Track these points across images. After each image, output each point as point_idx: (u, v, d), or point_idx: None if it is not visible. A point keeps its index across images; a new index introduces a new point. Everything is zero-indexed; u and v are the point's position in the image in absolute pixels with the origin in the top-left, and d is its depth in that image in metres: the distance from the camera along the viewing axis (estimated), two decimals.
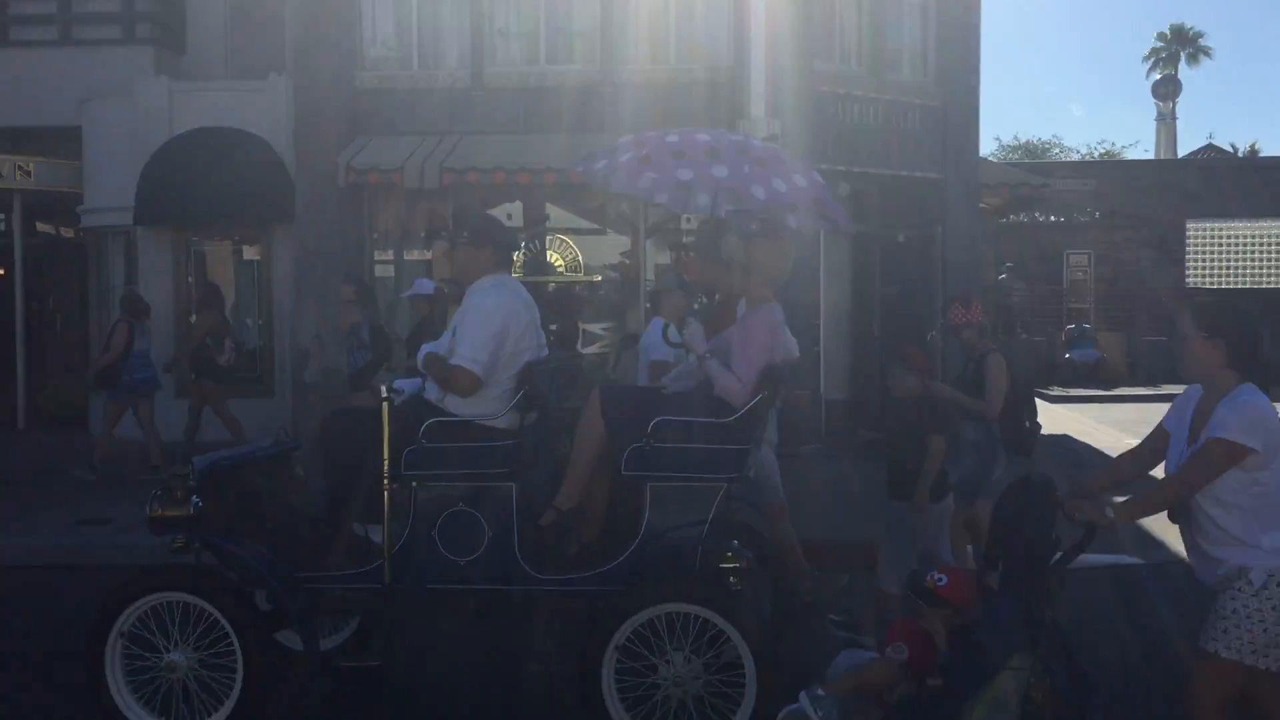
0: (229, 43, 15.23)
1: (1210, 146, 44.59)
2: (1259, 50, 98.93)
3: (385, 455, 5.05)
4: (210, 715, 5.06)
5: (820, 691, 4.56)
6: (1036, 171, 19.72)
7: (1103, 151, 47.98)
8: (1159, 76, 52.39)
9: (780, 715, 4.59)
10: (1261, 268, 26.43)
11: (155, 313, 14.06)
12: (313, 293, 13.38)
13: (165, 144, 13.80)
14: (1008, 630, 4.27)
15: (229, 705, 5.03)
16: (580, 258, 14.06)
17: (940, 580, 4.59)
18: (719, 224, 5.76)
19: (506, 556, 5.07)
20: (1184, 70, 61.44)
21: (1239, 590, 3.95)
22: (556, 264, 14.03)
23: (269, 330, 14.26)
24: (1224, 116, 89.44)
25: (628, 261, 13.84)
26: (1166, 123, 44.61)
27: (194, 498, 5.08)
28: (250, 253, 14.67)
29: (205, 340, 12.16)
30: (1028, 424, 7.39)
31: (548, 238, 14.01)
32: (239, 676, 5.01)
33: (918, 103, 14.31)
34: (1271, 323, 12.26)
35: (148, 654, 5.10)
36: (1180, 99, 45.41)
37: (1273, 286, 25.87)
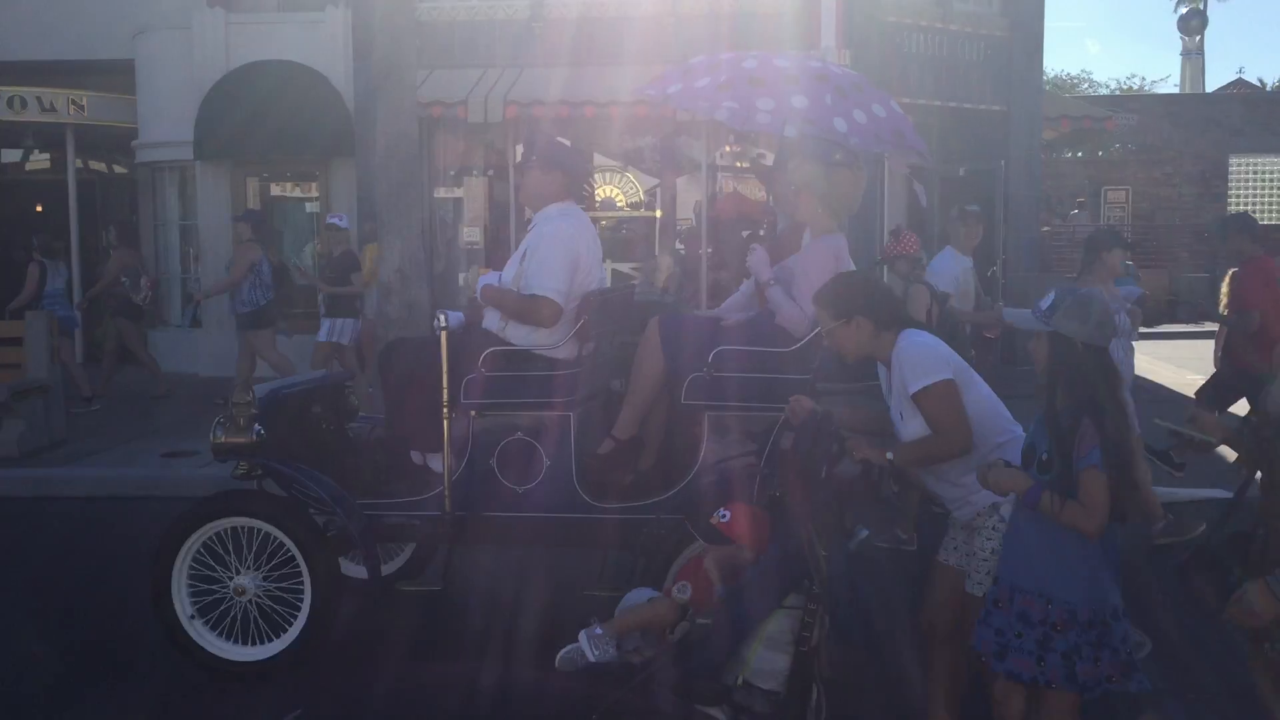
0: None
1: (1240, 81, 43.88)
2: None
3: (444, 384, 5.04)
4: (277, 638, 5.12)
5: (599, 630, 4.39)
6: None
7: (1131, 87, 47.38)
8: (1184, 10, 51.55)
9: (560, 654, 4.40)
10: None
11: (215, 247, 14.11)
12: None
13: (223, 78, 13.70)
14: (782, 568, 4.17)
15: (296, 628, 5.08)
16: (642, 194, 13.96)
17: (724, 516, 4.43)
18: (793, 148, 5.59)
19: (564, 485, 5.08)
20: (1211, 5, 60.79)
21: (994, 529, 3.85)
22: (618, 199, 13.93)
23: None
24: (1252, 51, 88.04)
25: (699, 199, 13.73)
26: (1192, 58, 43.90)
27: (256, 425, 5.11)
28: (309, 188, 14.59)
29: (121, 278, 12.19)
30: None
31: (609, 173, 13.89)
32: (306, 600, 5.05)
33: (983, 33, 14.10)
34: None
35: (215, 578, 5.14)
36: (1207, 33, 44.73)
37: None
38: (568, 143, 5.58)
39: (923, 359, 3.89)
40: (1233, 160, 26.15)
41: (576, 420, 5.13)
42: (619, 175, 13.93)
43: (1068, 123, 15.03)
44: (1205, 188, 26.40)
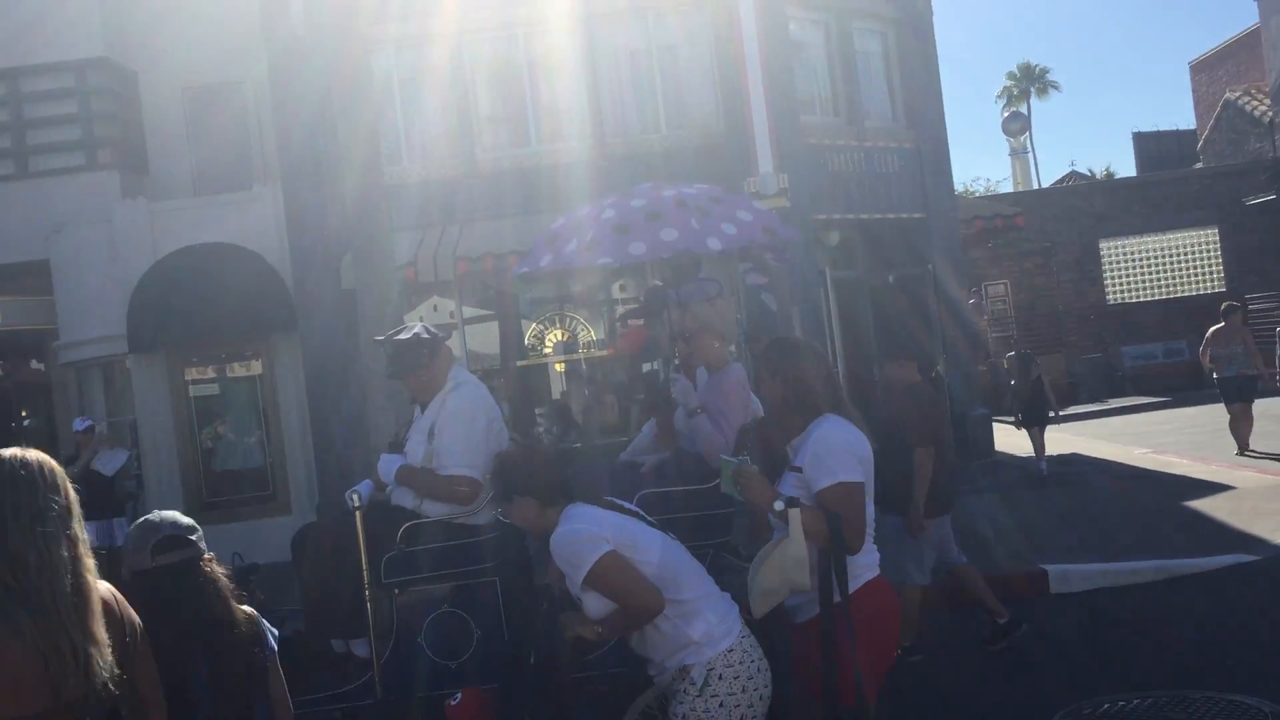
0: (194, 161, 14.88)
1: (1074, 174, 46.86)
2: (1102, 81, 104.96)
3: (364, 564, 4.96)
4: None
5: None
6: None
7: (974, 190, 50.06)
8: (1006, 115, 54.92)
9: None
10: (1177, 278, 27.68)
11: (157, 440, 13.59)
12: (331, 402, 13.06)
13: (153, 266, 13.41)
14: None
15: None
16: (593, 335, 14.02)
17: (454, 699, 4.58)
18: (660, 295, 5.86)
19: (498, 651, 5.03)
20: (1035, 105, 64.97)
21: (684, 693, 3.71)
22: (563, 340, 13.96)
23: (279, 445, 13.79)
24: (1081, 144, 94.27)
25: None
26: (1020, 157, 46.59)
27: None
28: (249, 369, 14.23)
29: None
30: None
31: (556, 317, 13.94)
32: None
33: (894, 145, 14.76)
34: (1189, 329, 13.06)
35: None
36: (1037, 132, 47.73)
37: (1185, 295, 27.11)
38: (409, 327, 5.48)
39: (573, 548, 3.73)
40: (1103, 244, 27.63)
41: (502, 584, 5.12)
42: (571, 319, 13.99)
43: (980, 223, 15.72)
44: (1082, 273, 27.79)
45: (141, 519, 3.19)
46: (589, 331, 13.98)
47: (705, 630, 3.73)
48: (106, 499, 10.96)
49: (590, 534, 3.72)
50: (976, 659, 6.87)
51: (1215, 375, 14.02)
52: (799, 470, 3.96)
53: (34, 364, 16.09)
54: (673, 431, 5.49)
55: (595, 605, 3.75)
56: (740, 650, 3.73)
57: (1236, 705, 5.63)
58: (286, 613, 5.88)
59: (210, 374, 14.29)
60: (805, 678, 4.05)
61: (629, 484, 5.01)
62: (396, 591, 5.03)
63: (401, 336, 5.30)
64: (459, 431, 5.09)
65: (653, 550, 3.79)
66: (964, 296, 15.02)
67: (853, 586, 3.85)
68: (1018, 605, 8.12)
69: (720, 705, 3.65)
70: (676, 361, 5.46)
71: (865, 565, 3.96)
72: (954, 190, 15.61)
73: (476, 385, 5.39)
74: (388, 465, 5.22)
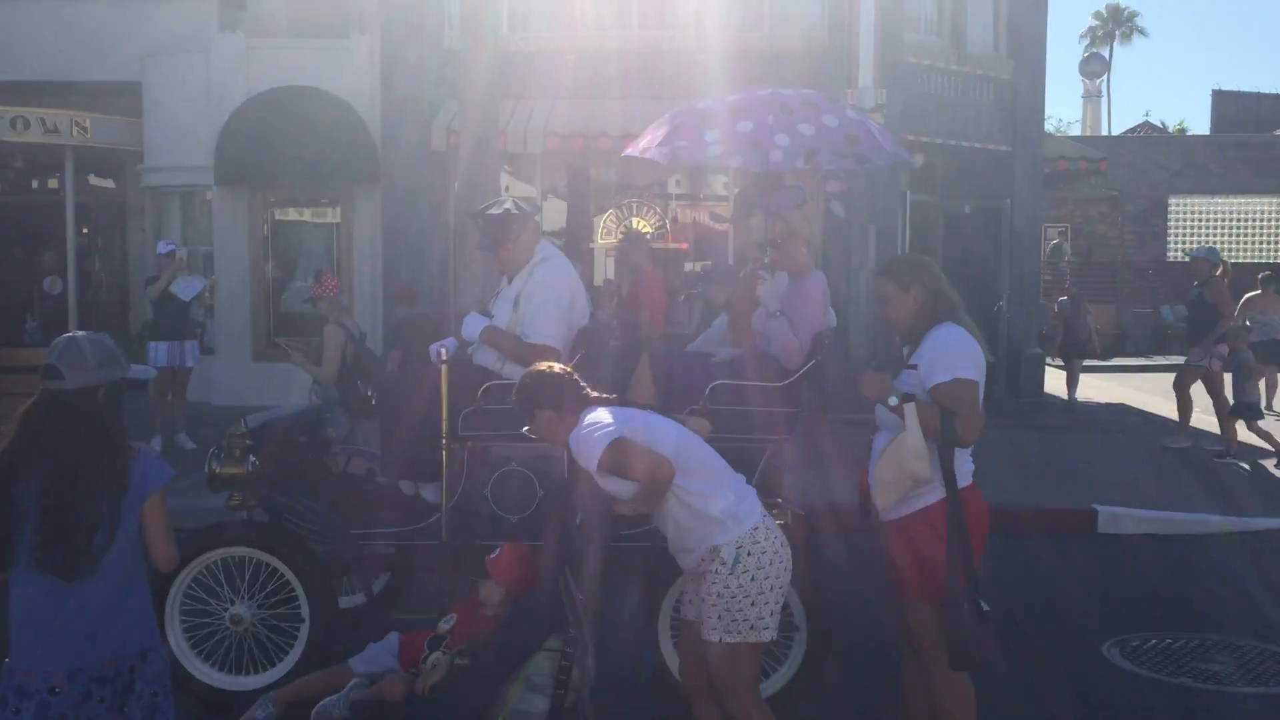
0: (292, 0, 14.86)
1: (1147, 124, 45.89)
2: (1190, 33, 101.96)
3: (444, 416, 5.14)
4: (272, 666, 5.18)
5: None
6: None
7: (1052, 129, 49.19)
8: (1086, 55, 53.66)
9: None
10: (1242, 242, 27.41)
11: (230, 273, 13.90)
12: (406, 258, 13.30)
13: (245, 102, 13.52)
14: (542, 612, 4.41)
15: (294, 655, 5.16)
16: (668, 223, 14.14)
17: (493, 554, 4.71)
18: (747, 202, 5.95)
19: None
20: (1117, 49, 63.47)
21: (715, 573, 3.95)
22: (644, 229, 14.08)
23: (349, 295, 14.05)
24: (1157, 95, 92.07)
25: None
26: (1093, 100, 45.68)
27: (251, 456, 5.21)
28: (328, 216, 14.45)
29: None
30: (362, 389, 8.25)
31: (635, 204, 14.05)
32: (304, 627, 5.14)
33: (991, 74, 14.63)
34: (1241, 296, 13.06)
35: (209, 609, 5.19)
36: (1114, 78, 46.58)
37: (1245, 260, 26.88)
38: (500, 201, 5.65)
39: (584, 442, 3.97)
40: (1172, 200, 27.32)
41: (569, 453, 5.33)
42: (646, 206, 14.09)
43: (1065, 163, 15.62)
44: (1145, 226, 27.54)
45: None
46: (646, 223, 14.12)
47: (725, 508, 3.97)
48: (181, 322, 11.19)
49: (597, 427, 3.98)
50: (1019, 591, 7.11)
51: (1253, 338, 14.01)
52: (914, 368, 4.17)
53: (107, 182, 16.32)
54: (746, 329, 5.58)
55: (617, 488, 4.01)
56: (764, 527, 4.02)
57: None
58: (348, 451, 6.16)
59: (290, 216, 14.51)
60: (896, 576, 4.31)
61: (702, 373, 5.16)
62: (470, 444, 5.23)
63: (493, 211, 5.48)
64: (545, 303, 5.29)
65: (667, 436, 4.03)
66: (1062, 238, 14.99)
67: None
68: (1063, 542, 8.41)
69: (752, 579, 3.93)
70: (767, 260, 5.56)
71: (964, 471, 4.19)
72: (1043, 127, 15.48)
73: (563, 260, 5.57)
74: (473, 324, 5.42)
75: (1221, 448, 11.03)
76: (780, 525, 4.78)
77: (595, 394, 4.23)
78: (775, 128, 5.53)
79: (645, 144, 5.99)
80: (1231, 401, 10.97)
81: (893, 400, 4.07)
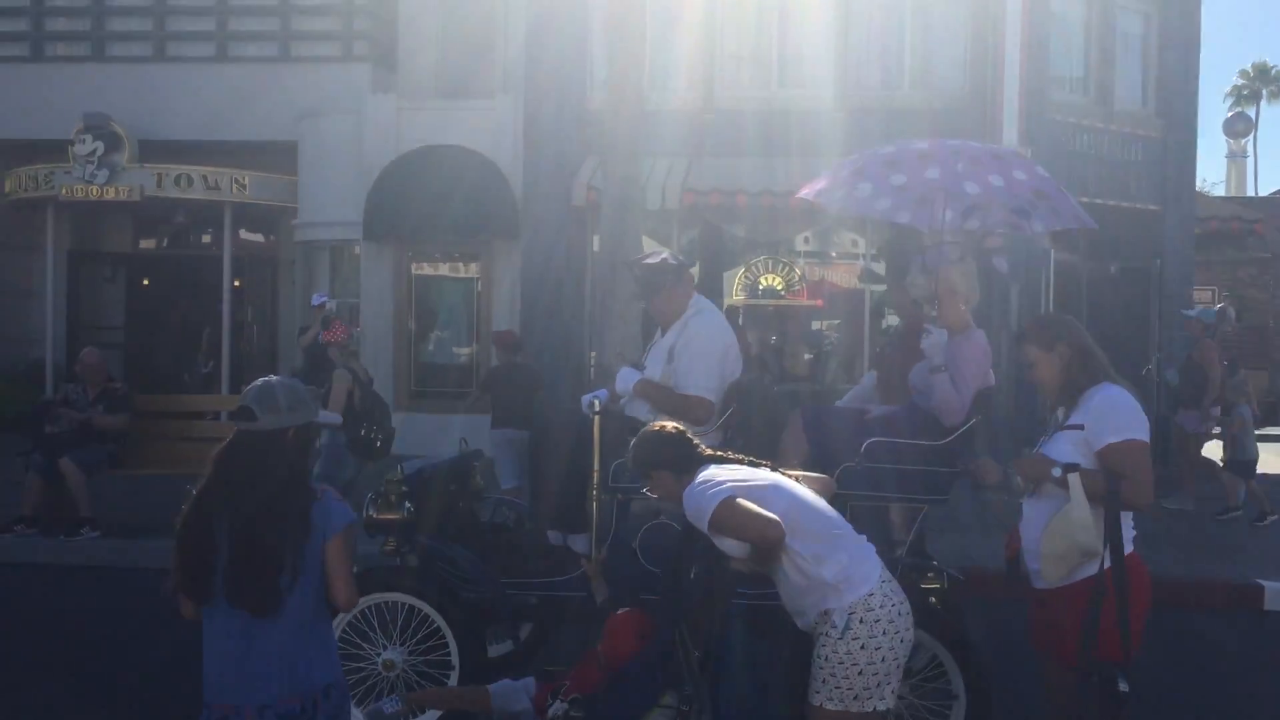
0: (441, 63, 15.35)
1: None
2: None
3: (595, 467, 5.10)
4: (422, 714, 5.16)
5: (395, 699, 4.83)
6: None
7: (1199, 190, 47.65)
8: (1231, 115, 51.97)
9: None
10: None
11: (377, 324, 14.28)
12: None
13: (395, 160, 13.98)
14: (657, 668, 4.33)
15: None
16: (801, 280, 14.09)
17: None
18: (902, 258, 5.76)
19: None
20: (1265, 108, 61.40)
21: (826, 635, 3.86)
22: (777, 286, 14.06)
23: (486, 347, 14.31)
24: None
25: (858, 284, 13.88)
26: (1238, 160, 44.16)
27: (406, 502, 5.25)
28: (468, 270, 14.79)
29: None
30: (366, 433, 8.58)
31: (767, 260, 14.04)
32: (454, 676, 5.15)
33: (1140, 133, 14.28)
34: None
35: (361, 654, 5.23)
36: (1260, 137, 44.93)
37: None
38: (657, 252, 5.68)
39: (696, 502, 3.98)
40: None
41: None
42: (783, 265, 14.07)
43: (1215, 223, 15.11)
44: None
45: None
46: (777, 280, 14.07)
47: (837, 572, 3.86)
48: (329, 369, 11.54)
49: (710, 485, 3.97)
50: (1176, 668, 6.74)
51: None
52: (1079, 428, 4.03)
53: (257, 236, 17.02)
54: (898, 386, 5.52)
55: (729, 547, 3.99)
56: (881, 595, 3.87)
57: None
58: (496, 500, 6.26)
59: (433, 270, 14.90)
60: (1050, 647, 4.14)
61: (856, 430, 5.09)
62: (620, 496, 5.24)
63: (649, 260, 5.54)
64: (699, 355, 5.33)
65: (780, 496, 3.97)
66: (1210, 300, 14.53)
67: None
68: (1226, 618, 7.99)
69: (861, 648, 3.81)
70: (933, 312, 5.45)
71: (1125, 538, 4.03)
72: (1195, 186, 15.01)
73: (716, 313, 5.61)
74: (627, 377, 5.48)
75: None
76: (936, 589, 4.66)
77: (709, 451, 4.24)
78: (964, 176, 5.35)
79: (822, 187, 5.82)
80: None
81: (1056, 472, 3.97)
